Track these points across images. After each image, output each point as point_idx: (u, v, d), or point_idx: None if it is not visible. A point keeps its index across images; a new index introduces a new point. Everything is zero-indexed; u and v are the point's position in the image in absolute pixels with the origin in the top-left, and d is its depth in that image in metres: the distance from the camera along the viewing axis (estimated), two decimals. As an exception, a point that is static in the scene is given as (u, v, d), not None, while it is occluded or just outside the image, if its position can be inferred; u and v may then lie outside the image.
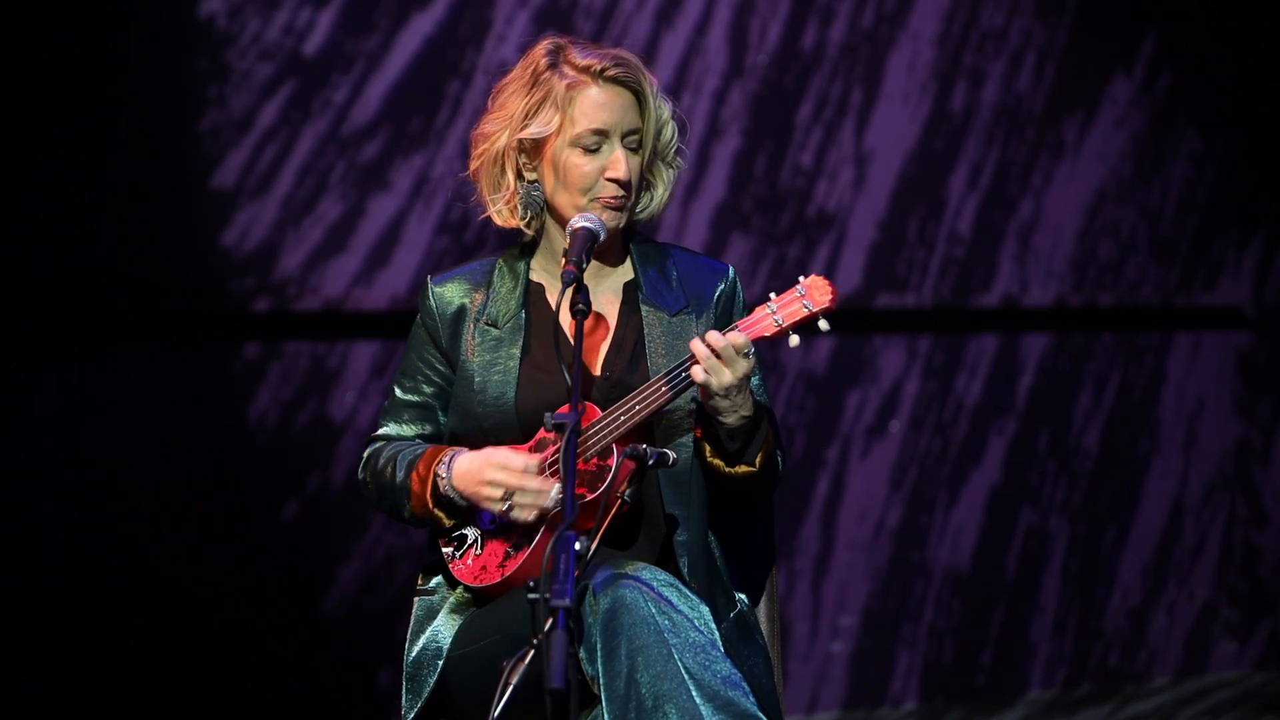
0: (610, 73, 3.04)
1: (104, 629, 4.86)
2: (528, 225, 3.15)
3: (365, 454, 3.15)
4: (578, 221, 3.02)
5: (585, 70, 3.05)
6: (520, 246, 3.19)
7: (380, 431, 3.16)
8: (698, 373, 2.89)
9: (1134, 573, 6.04)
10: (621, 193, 3.05)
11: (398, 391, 3.17)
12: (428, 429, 3.15)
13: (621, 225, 3.09)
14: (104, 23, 4.86)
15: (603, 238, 3.04)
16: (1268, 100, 6.16)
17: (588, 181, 3.05)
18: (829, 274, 2.97)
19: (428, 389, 3.15)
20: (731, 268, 3.19)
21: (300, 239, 5.05)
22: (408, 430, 3.15)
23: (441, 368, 3.14)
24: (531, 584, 2.62)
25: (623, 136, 3.06)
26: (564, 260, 2.97)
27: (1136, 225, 6.03)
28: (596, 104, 3.04)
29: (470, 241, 5.17)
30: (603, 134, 3.05)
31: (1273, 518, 6.23)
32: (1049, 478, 5.94)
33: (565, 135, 3.05)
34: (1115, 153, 5.98)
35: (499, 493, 2.94)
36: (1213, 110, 6.11)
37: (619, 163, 3.05)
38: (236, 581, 4.99)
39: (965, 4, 5.77)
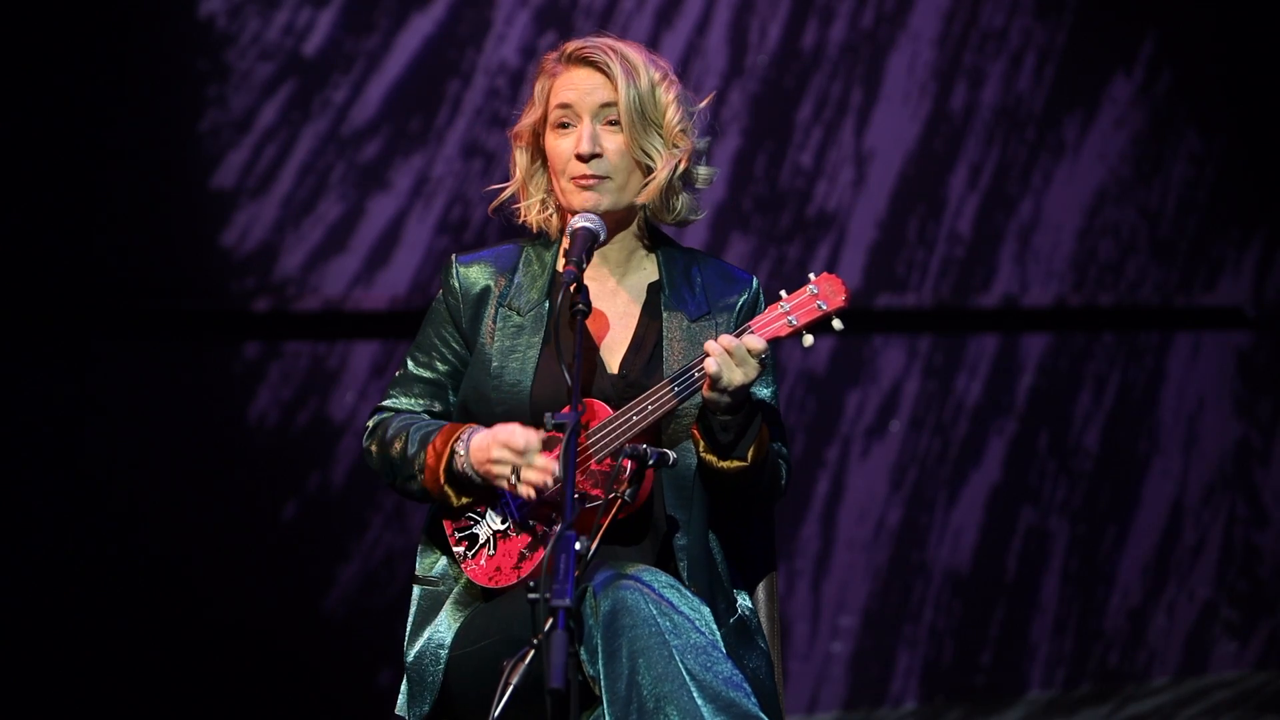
0: (579, 53, 3.10)
1: (103, 629, 4.86)
2: (547, 221, 3.17)
3: (372, 423, 3.15)
4: (577, 222, 3.05)
5: (560, 56, 3.12)
6: (546, 235, 3.21)
7: (388, 402, 3.16)
8: (710, 364, 2.90)
9: (1134, 573, 6.04)
10: (586, 169, 3.07)
11: (410, 365, 3.17)
12: (436, 406, 3.15)
13: (603, 207, 3.08)
14: (104, 23, 4.86)
15: (603, 237, 3.05)
16: (1268, 100, 6.16)
17: (561, 161, 3.09)
18: (844, 280, 2.96)
19: (442, 366, 3.15)
20: (755, 279, 3.20)
21: (300, 239, 5.05)
22: (416, 405, 3.15)
23: (458, 347, 3.15)
24: (532, 584, 2.62)
25: (595, 114, 3.08)
26: (564, 260, 2.98)
27: (1136, 225, 6.03)
28: (564, 83, 3.10)
29: (470, 241, 5.17)
30: (567, 108, 3.08)
31: (1273, 518, 6.23)
32: (1049, 478, 5.94)
33: (547, 121, 3.11)
34: (1115, 153, 5.98)
35: (506, 469, 2.93)
36: (1213, 110, 6.11)
37: (582, 138, 3.06)
38: (236, 581, 4.99)
39: (965, 4, 5.77)
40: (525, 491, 2.92)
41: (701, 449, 3.00)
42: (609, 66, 3.08)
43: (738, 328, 3.09)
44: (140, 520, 4.91)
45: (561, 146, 3.08)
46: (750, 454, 2.99)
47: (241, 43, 4.98)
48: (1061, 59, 5.89)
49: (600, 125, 3.08)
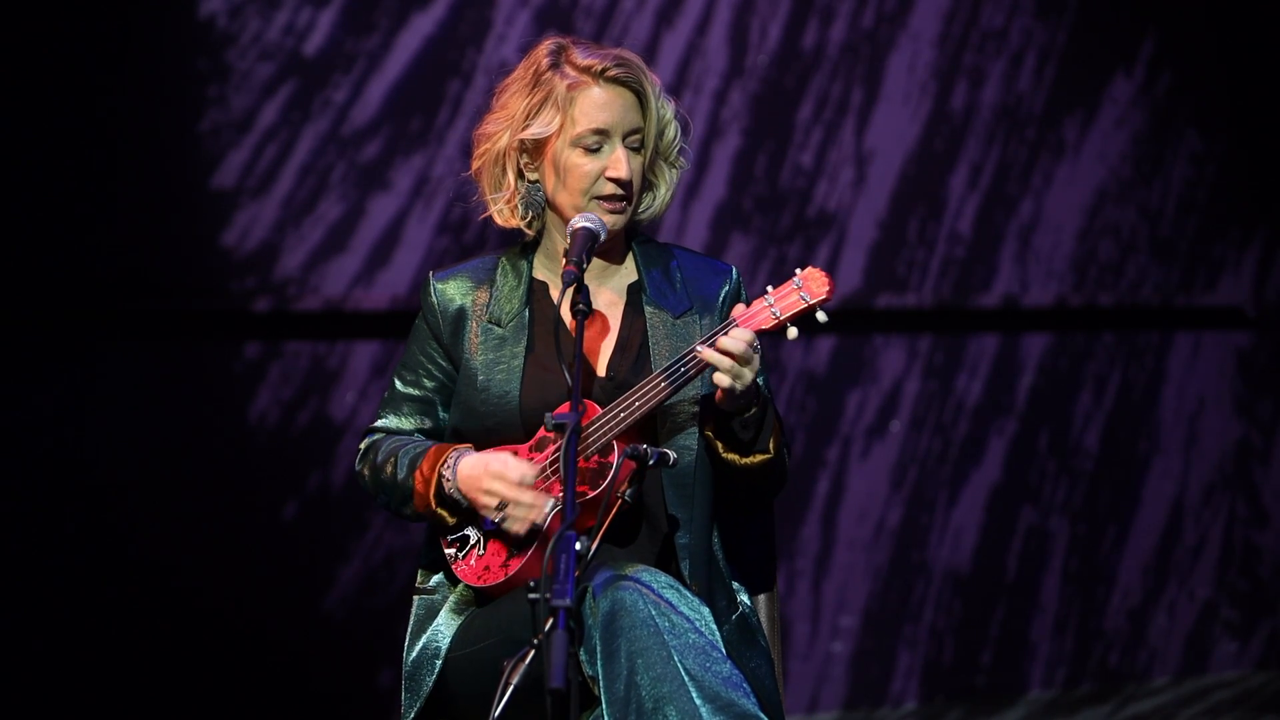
0: (611, 73, 3.05)
1: (103, 629, 4.86)
2: (528, 225, 3.15)
3: (362, 446, 3.15)
4: (578, 222, 3.03)
5: (586, 70, 3.05)
6: (522, 245, 3.20)
7: (378, 424, 3.16)
8: (723, 379, 2.90)
9: (1134, 573, 6.04)
10: (622, 193, 3.06)
11: (398, 384, 3.17)
12: (427, 423, 3.15)
13: (623, 226, 3.10)
14: (104, 23, 4.86)
15: (603, 238, 3.04)
16: (1268, 100, 6.17)
17: (588, 182, 3.05)
18: (829, 274, 2.97)
19: (429, 383, 3.15)
20: (735, 268, 3.19)
21: (300, 239, 5.05)
22: (406, 424, 3.15)
23: (443, 363, 3.14)
24: (532, 584, 2.62)
25: (624, 136, 3.06)
26: (564, 260, 2.97)
27: (1136, 225, 6.03)
28: (597, 104, 3.05)
29: (470, 241, 5.17)
30: (603, 134, 3.05)
31: (1273, 518, 6.23)
32: (1049, 478, 5.94)
33: (566, 135, 3.05)
34: (1115, 153, 5.98)
35: (494, 501, 2.95)
36: (1213, 110, 6.11)
37: (620, 163, 3.05)
38: (236, 581, 4.99)
39: (965, 4, 5.77)
40: (515, 529, 2.94)
41: (721, 450, 3.00)
42: (642, 90, 3.06)
43: (722, 319, 3.09)
44: (140, 520, 4.91)
45: (588, 168, 3.05)
46: (772, 444, 3.00)
47: (241, 43, 4.98)
48: (1061, 59, 5.89)
49: (625, 148, 3.07)
